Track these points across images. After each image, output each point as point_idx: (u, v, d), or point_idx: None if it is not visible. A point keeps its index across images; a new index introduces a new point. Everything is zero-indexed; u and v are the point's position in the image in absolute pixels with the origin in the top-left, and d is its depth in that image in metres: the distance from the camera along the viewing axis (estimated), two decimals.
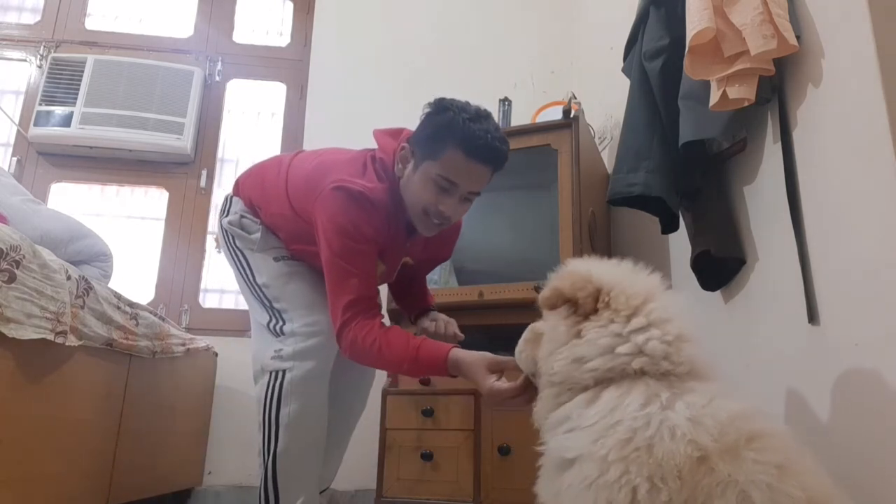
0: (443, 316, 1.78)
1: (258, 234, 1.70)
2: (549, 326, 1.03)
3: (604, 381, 0.92)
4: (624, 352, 0.92)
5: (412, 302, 1.90)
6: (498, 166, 1.54)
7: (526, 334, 1.17)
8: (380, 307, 1.53)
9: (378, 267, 1.60)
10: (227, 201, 1.82)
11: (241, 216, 1.74)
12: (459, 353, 1.38)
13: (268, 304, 1.65)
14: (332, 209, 1.50)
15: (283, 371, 1.55)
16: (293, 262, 1.68)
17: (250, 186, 1.78)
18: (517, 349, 1.17)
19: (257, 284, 1.67)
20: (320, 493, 1.78)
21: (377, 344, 1.43)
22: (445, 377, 1.42)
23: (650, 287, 0.99)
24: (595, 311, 0.97)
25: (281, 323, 1.61)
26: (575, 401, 0.94)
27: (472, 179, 1.49)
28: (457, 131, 1.45)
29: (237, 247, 1.73)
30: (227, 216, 1.77)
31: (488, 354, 1.36)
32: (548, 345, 1.02)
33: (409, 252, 1.72)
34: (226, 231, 1.76)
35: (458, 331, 1.73)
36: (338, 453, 1.88)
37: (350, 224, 1.48)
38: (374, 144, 1.67)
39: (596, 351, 0.93)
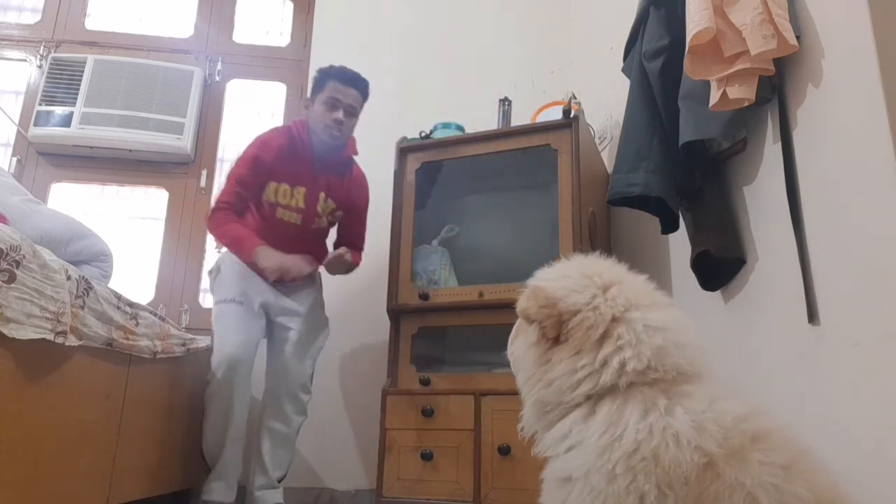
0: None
1: (213, 281, 2.30)
2: (521, 350, 1.03)
3: (594, 396, 0.91)
4: (608, 377, 0.90)
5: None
6: (362, 88, 2.26)
7: (513, 335, 1.15)
8: (238, 214, 2.21)
9: (296, 194, 2.26)
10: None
11: (216, 264, 2.31)
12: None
13: (213, 334, 2.24)
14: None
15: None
16: (224, 305, 2.22)
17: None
18: (510, 353, 1.14)
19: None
20: (278, 480, 2.22)
21: (224, 224, 2.16)
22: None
23: (617, 307, 0.96)
24: (558, 338, 0.96)
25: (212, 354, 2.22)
26: (571, 417, 0.92)
27: (348, 96, 2.23)
28: (329, 72, 2.26)
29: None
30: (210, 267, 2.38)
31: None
32: (522, 372, 1.03)
33: (329, 188, 2.30)
34: None
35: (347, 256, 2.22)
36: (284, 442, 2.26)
37: (244, 155, 2.24)
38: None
39: (574, 379, 0.92)
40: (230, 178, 2.21)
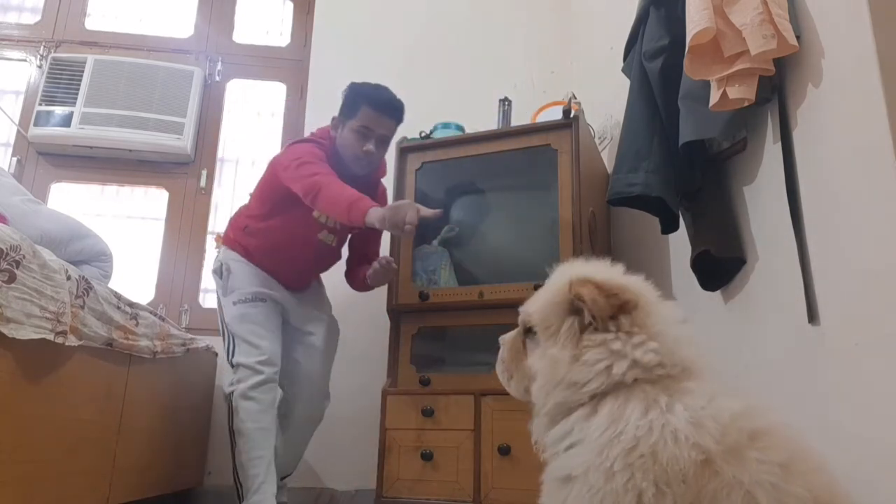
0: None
1: (224, 280, 2.12)
2: (549, 356, 0.97)
3: (598, 395, 0.91)
4: (619, 370, 0.90)
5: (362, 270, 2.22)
6: (398, 116, 2.09)
7: (503, 354, 1.11)
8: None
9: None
10: (217, 254, 2.22)
11: (221, 263, 2.14)
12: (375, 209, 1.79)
13: (229, 337, 2.09)
14: (289, 150, 2.06)
15: (231, 393, 2.01)
16: (245, 305, 2.08)
17: (237, 217, 2.21)
18: (501, 377, 1.11)
19: (224, 322, 2.12)
20: (282, 478, 2.15)
21: (333, 181, 1.87)
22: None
23: (649, 297, 0.97)
24: (612, 319, 0.93)
25: (231, 356, 2.06)
26: (574, 416, 0.92)
27: (381, 126, 2.05)
28: (363, 94, 2.06)
29: (217, 291, 2.18)
30: (214, 266, 2.20)
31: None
32: (541, 378, 0.98)
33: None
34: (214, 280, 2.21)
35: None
36: (297, 448, 2.22)
37: (304, 148, 2.03)
38: None
39: (592, 373, 0.91)
40: (308, 161, 1.94)
